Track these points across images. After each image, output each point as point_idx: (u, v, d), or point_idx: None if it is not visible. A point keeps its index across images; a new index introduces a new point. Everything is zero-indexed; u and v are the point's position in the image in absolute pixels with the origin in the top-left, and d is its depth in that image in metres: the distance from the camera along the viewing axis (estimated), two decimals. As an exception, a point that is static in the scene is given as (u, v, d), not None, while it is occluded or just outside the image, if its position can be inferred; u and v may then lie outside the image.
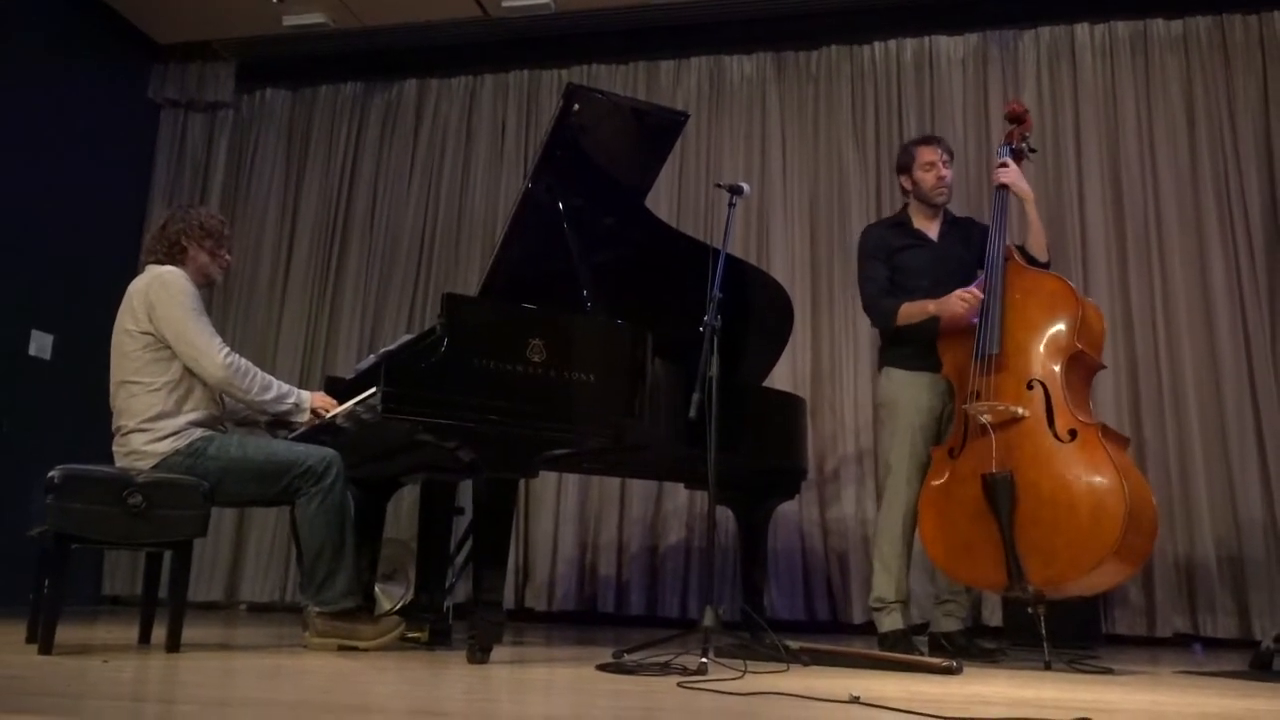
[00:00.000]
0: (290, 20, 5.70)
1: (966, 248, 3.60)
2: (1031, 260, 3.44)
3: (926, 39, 5.46)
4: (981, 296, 3.24)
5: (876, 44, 5.51)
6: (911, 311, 3.41)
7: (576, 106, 3.28)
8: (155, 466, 2.93)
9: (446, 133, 6.01)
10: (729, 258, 3.20)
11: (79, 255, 5.46)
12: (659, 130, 3.59)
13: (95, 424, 3.35)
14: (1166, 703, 2.26)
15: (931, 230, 3.63)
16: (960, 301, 3.25)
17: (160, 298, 3.02)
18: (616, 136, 3.51)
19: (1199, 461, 4.63)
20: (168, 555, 2.97)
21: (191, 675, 2.29)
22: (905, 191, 3.69)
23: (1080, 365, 3.21)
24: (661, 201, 5.29)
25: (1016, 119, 3.59)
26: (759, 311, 3.82)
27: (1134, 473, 3.06)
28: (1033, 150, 3.63)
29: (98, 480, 2.76)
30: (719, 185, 3.39)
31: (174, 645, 2.81)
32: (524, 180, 3.49)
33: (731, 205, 3.28)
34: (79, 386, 4.95)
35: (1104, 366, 3.38)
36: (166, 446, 2.96)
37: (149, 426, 2.97)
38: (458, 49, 6.00)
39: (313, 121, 6.20)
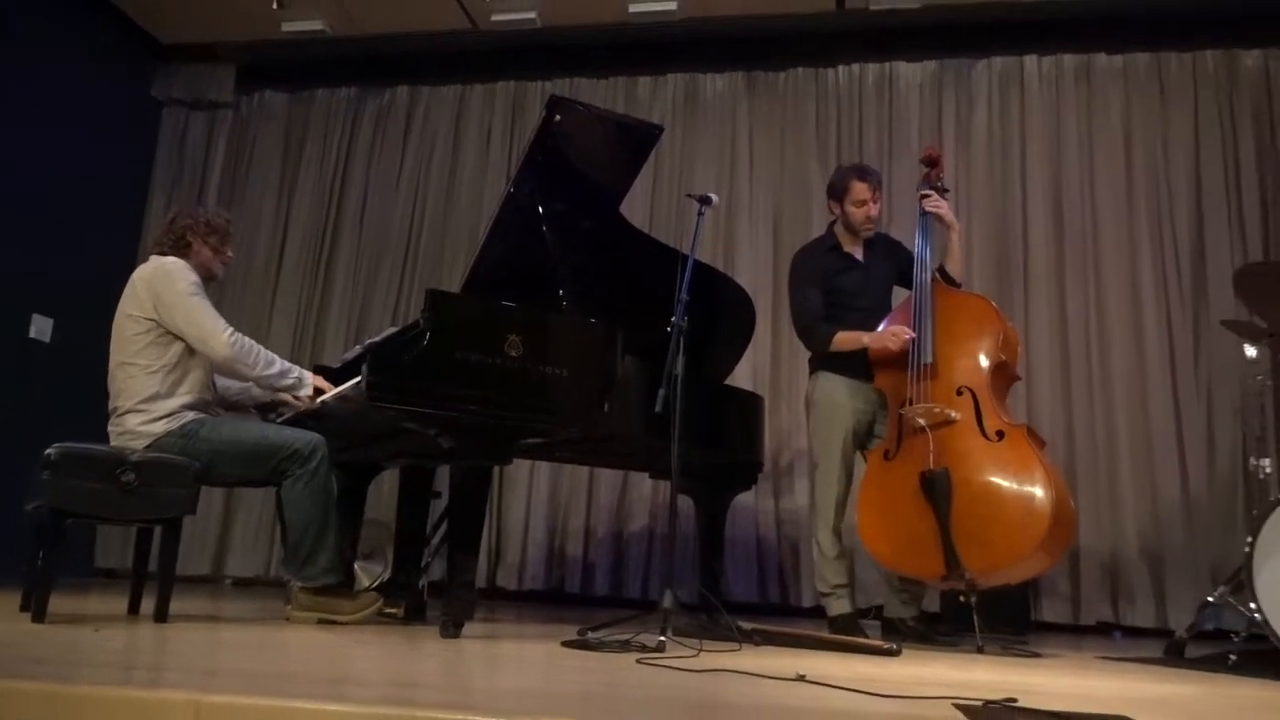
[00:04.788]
0: (289, 26, 5.64)
1: (891, 264, 3.65)
2: (949, 281, 3.53)
3: (888, 64, 5.49)
4: (913, 336, 3.30)
5: (841, 67, 5.53)
6: (846, 340, 3.44)
7: (558, 117, 3.28)
8: (149, 446, 2.90)
9: (436, 137, 5.96)
10: (697, 263, 3.21)
11: (80, 243, 5.38)
12: (636, 141, 3.60)
13: (92, 404, 3.31)
14: (1090, 686, 2.31)
15: (858, 252, 3.65)
16: (893, 339, 3.32)
17: (164, 285, 3.00)
18: (595, 146, 3.52)
19: (1125, 459, 4.69)
20: (158, 530, 2.95)
21: (178, 645, 2.27)
22: (833, 213, 3.68)
23: (1003, 374, 3.33)
24: (636, 208, 5.28)
25: (933, 162, 3.65)
26: (724, 314, 3.84)
27: (1055, 472, 3.13)
28: (945, 190, 3.65)
29: (93, 458, 2.73)
30: (689, 195, 3.40)
31: (162, 616, 2.78)
32: (507, 184, 3.48)
33: (700, 214, 3.29)
34: (77, 368, 4.87)
35: (1019, 378, 3.48)
36: (160, 428, 2.93)
37: (144, 408, 2.94)
38: (449, 58, 5.96)
39: (309, 123, 6.13)
